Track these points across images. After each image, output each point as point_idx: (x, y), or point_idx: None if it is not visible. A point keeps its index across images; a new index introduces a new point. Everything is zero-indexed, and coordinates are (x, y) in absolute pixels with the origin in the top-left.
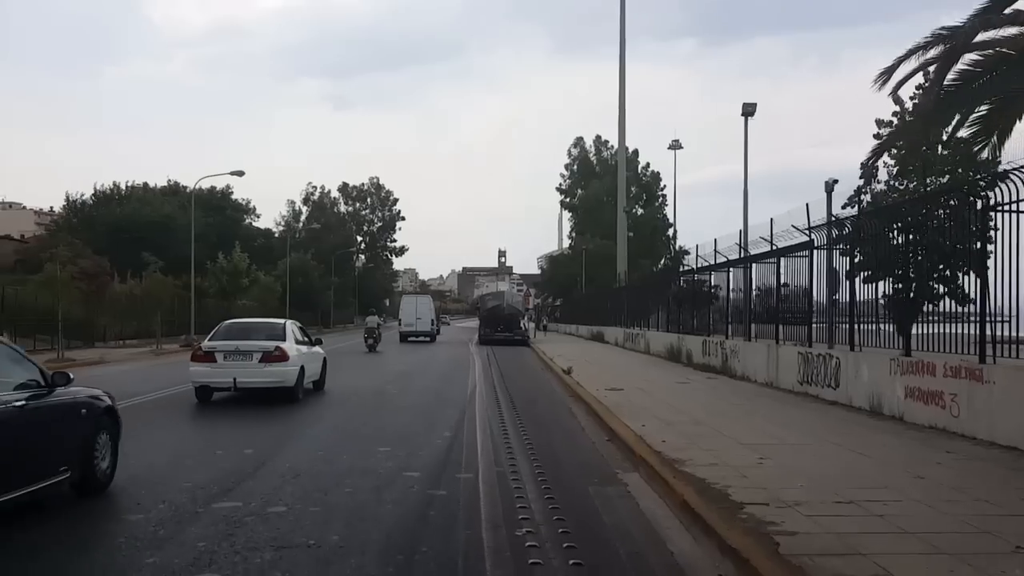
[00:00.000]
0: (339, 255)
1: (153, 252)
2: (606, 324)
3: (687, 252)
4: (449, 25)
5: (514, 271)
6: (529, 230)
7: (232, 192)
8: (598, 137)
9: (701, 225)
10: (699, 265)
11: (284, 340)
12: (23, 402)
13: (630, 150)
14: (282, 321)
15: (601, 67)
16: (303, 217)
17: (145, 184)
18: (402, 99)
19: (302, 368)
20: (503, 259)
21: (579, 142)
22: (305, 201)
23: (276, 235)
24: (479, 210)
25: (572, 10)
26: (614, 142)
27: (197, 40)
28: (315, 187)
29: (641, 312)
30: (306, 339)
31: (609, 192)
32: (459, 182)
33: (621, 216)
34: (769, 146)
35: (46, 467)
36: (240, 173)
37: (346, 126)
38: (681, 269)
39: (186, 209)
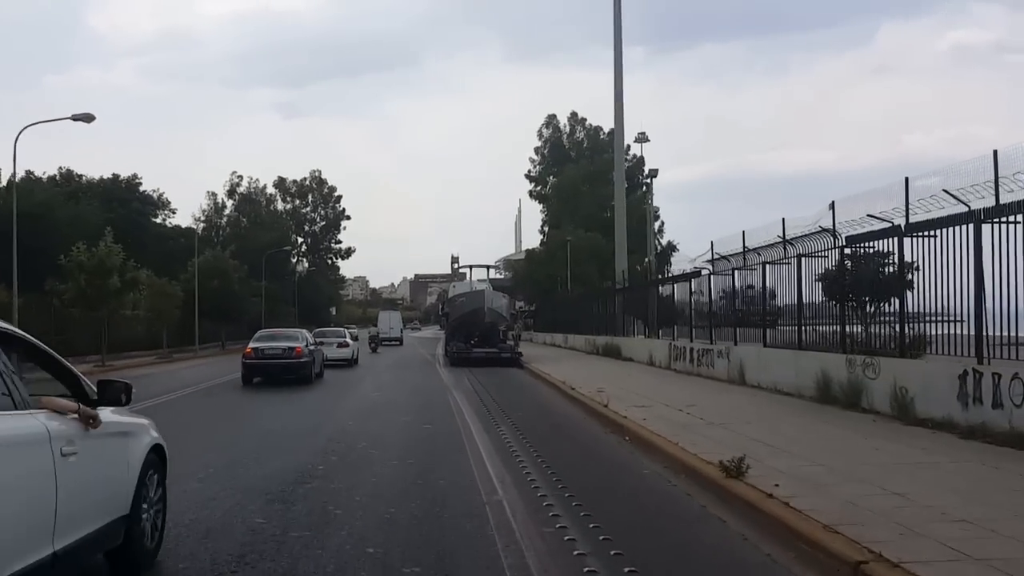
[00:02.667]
0: (270, 255)
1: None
2: (617, 333)
3: (675, 248)
4: (403, 32)
5: (466, 277)
6: (483, 236)
7: (140, 182)
8: (574, 115)
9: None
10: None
11: (345, 337)
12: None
13: (606, 130)
14: (343, 328)
15: (557, 74)
16: (227, 212)
17: (29, 173)
18: (354, 107)
19: (353, 351)
20: (456, 265)
21: (551, 121)
22: (230, 193)
23: (199, 233)
24: (432, 217)
25: (527, 16)
26: (592, 120)
27: (145, 48)
28: (241, 177)
29: (668, 317)
30: (353, 336)
31: (589, 177)
32: (411, 189)
33: (620, 202)
34: (723, 150)
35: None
36: (88, 118)
37: (297, 134)
38: (837, 232)
39: (78, 200)
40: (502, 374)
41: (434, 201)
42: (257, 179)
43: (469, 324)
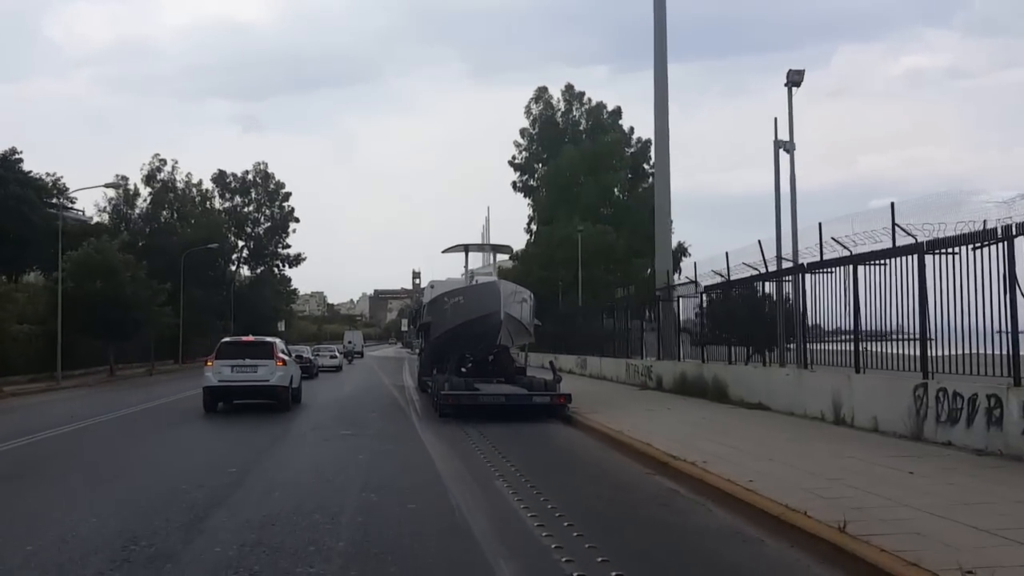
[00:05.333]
0: (191, 255)
1: None
2: (696, 358)
3: (687, 251)
4: (364, 48)
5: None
6: (445, 253)
7: (20, 158)
8: (569, 88)
9: None
10: None
11: (335, 351)
12: None
13: (610, 107)
14: (333, 346)
15: (516, 93)
16: (143, 202)
17: None
18: (314, 121)
19: (340, 362)
20: (418, 280)
21: (542, 95)
22: (148, 180)
23: (106, 225)
24: (392, 233)
25: (486, 36)
26: (593, 95)
27: (101, 58)
28: (164, 160)
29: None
30: (339, 352)
31: (591, 163)
32: (372, 205)
33: (662, 172)
34: (677, 170)
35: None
36: None
37: (255, 147)
38: None
39: None
40: (563, 449)
41: (395, 217)
42: (189, 173)
43: (469, 342)
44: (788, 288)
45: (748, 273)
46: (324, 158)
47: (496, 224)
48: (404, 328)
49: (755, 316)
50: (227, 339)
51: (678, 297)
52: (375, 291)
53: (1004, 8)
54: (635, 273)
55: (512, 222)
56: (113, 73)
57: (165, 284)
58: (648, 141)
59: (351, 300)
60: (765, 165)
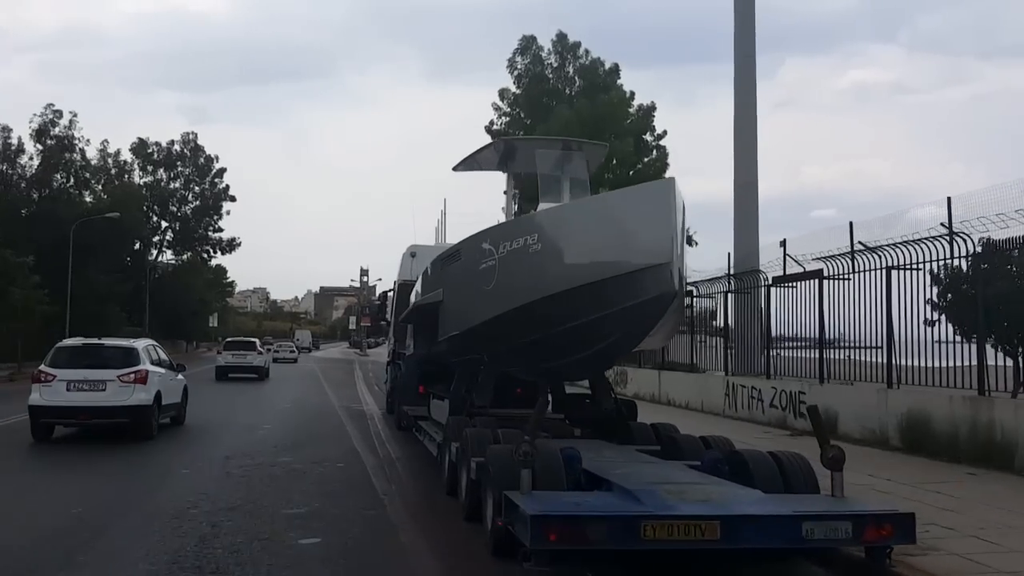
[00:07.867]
0: (84, 225)
1: None
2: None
3: (692, 239)
4: (319, 42)
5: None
6: (393, 252)
7: None
8: (562, 37)
9: None
10: None
11: (293, 346)
12: None
13: (607, 63)
14: (291, 343)
15: (474, 94)
16: (30, 160)
17: None
18: (263, 115)
19: (296, 356)
20: (365, 278)
21: (529, 46)
22: (39, 135)
23: None
24: (339, 230)
25: (444, 35)
26: (589, 46)
27: (43, 44)
28: (60, 113)
29: None
30: (296, 347)
31: (589, 128)
32: (319, 201)
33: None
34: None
35: None
36: None
37: (201, 140)
38: None
39: None
40: None
41: (343, 214)
42: (105, 140)
43: (557, 345)
44: None
45: None
46: (274, 153)
47: (456, 215)
48: (352, 327)
49: None
50: (230, 339)
51: (887, 269)
52: (321, 288)
53: (946, 27)
54: None
55: (488, 211)
56: (58, 60)
57: (27, 257)
58: (652, 107)
59: (296, 297)
60: (709, 174)
